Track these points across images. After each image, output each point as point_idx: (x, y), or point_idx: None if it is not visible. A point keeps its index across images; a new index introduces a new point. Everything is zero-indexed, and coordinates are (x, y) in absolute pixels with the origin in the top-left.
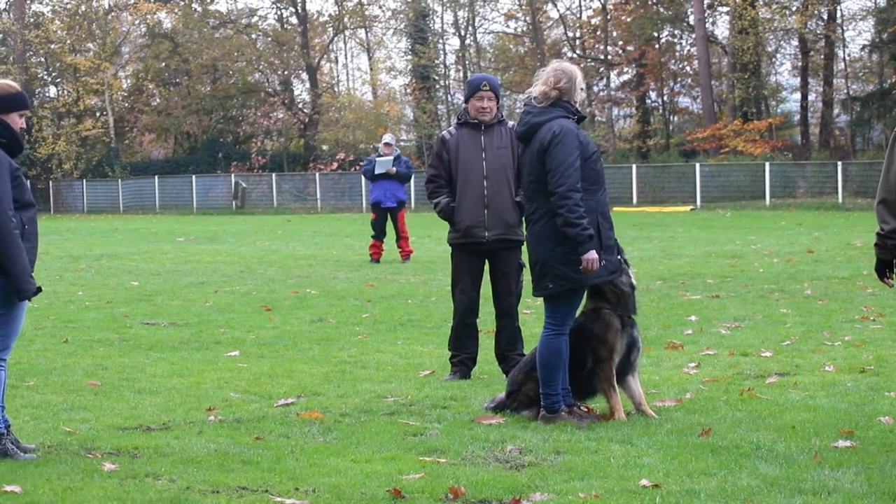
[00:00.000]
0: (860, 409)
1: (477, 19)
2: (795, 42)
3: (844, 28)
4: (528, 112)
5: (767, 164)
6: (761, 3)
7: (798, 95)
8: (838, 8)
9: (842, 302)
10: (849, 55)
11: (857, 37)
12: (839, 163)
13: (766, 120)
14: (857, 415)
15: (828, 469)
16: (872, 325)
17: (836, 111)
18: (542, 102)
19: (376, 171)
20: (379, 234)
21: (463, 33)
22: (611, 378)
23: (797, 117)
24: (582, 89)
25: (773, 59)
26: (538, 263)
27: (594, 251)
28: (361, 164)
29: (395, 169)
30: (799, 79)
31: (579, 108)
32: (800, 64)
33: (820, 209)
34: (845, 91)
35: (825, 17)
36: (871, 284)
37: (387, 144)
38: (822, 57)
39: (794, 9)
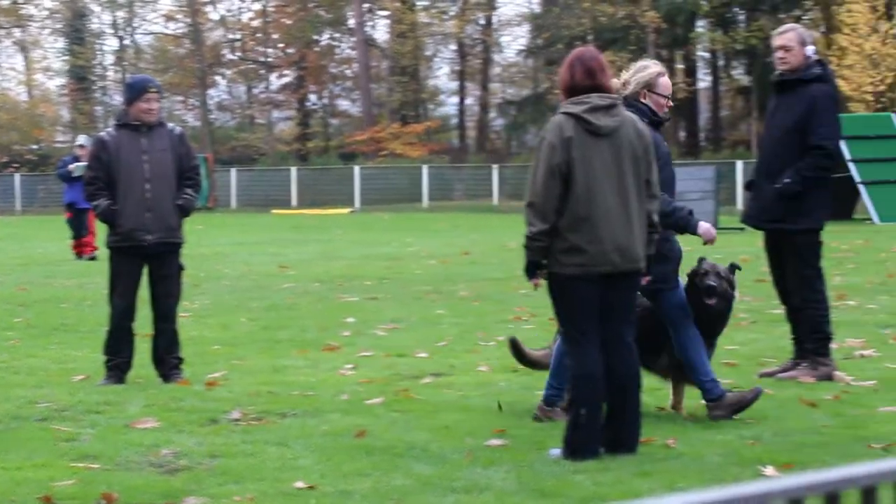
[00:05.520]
0: (512, 408)
1: (136, 20)
2: (454, 46)
3: (500, 33)
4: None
5: (425, 166)
6: (420, 7)
7: (456, 99)
8: (494, 14)
9: (496, 303)
10: (505, 60)
11: (513, 42)
12: (495, 166)
13: (424, 123)
14: (509, 414)
15: (480, 467)
16: (525, 325)
17: (492, 115)
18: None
19: (74, 175)
20: (77, 234)
21: (121, 34)
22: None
23: (455, 120)
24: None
25: (432, 63)
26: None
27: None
28: (58, 165)
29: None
30: (457, 83)
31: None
32: (458, 68)
33: (476, 211)
34: (501, 95)
35: (482, 22)
36: (523, 286)
37: (81, 146)
38: (480, 61)
39: (452, 14)
